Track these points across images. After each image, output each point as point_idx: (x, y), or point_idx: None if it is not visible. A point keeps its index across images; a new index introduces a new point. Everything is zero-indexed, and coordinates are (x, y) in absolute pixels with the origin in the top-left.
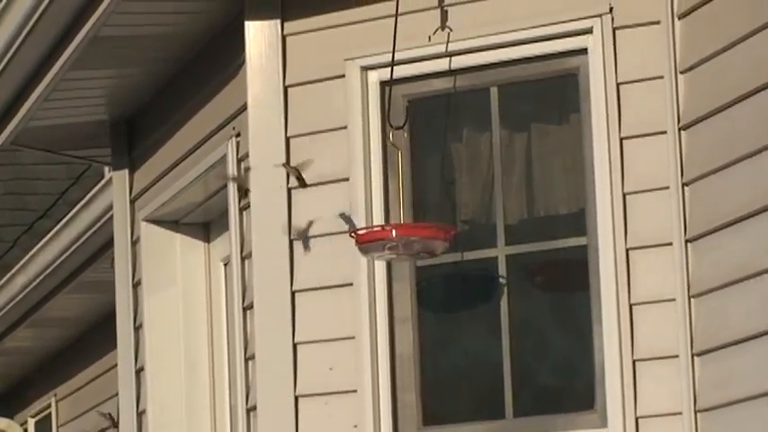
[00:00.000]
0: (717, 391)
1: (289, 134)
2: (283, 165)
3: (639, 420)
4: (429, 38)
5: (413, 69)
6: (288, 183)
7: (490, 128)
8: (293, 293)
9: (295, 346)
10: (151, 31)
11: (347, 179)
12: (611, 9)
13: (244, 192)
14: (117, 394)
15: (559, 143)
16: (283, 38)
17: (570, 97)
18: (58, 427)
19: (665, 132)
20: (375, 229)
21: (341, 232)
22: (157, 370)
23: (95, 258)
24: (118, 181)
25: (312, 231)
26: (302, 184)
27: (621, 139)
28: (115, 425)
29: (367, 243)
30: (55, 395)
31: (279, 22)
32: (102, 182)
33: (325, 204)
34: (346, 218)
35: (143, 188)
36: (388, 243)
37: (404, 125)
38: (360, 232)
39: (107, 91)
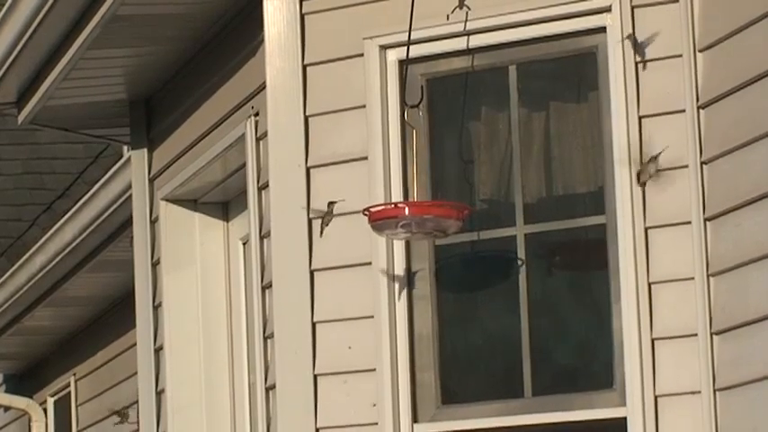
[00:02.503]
0: (736, 370)
1: (307, 113)
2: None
3: (658, 399)
4: (447, 16)
5: (431, 48)
6: (306, 162)
7: (508, 107)
8: (312, 272)
9: (314, 324)
10: (170, 10)
11: (366, 158)
12: None
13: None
14: (136, 373)
15: (578, 122)
16: (302, 16)
17: (589, 76)
18: (77, 407)
19: (683, 111)
20: (388, 206)
21: (359, 211)
22: (176, 349)
23: (114, 238)
24: (137, 160)
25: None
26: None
27: (640, 118)
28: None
29: (380, 221)
30: (74, 374)
31: (297, 0)
32: (121, 161)
33: (343, 183)
34: None
35: (162, 167)
36: (401, 221)
37: (419, 104)
38: (373, 210)
39: (126, 70)
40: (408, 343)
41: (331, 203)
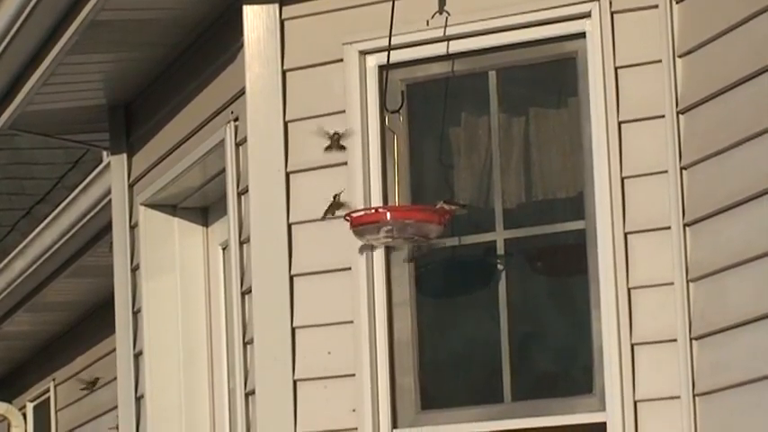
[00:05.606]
0: (715, 375)
1: (287, 118)
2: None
3: (638, 404)
4: (427, 22)
5: (411, 53)
6: (286, 167)
7: (488, 112)
8: (291, 278)
9: (293, 330)
10: (150, 16)
11: (345, 163)
12: None
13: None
14: (115, 379)
15: (557, 127)
16: (281, 22)
17: (568, 81)
18: (56, 412)
19: (663, 116)
20: (369, 211)
21: (339, 216)
22: (156, 354)
23: (94, 243)
24: (116, 165)
25: (310, 215)
26: (338, 147)
27: (620, 123)
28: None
29: (361, 226)
30: (53, 380)
31: (277, 6)
32: (101, 166)
33: (323, 188)
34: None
35: (141, 172)
36: (383, 226)
37: (399, 108)
38: (354, 215)
39: (105, 75)
40: (388, 348)
41: (336, 195)
